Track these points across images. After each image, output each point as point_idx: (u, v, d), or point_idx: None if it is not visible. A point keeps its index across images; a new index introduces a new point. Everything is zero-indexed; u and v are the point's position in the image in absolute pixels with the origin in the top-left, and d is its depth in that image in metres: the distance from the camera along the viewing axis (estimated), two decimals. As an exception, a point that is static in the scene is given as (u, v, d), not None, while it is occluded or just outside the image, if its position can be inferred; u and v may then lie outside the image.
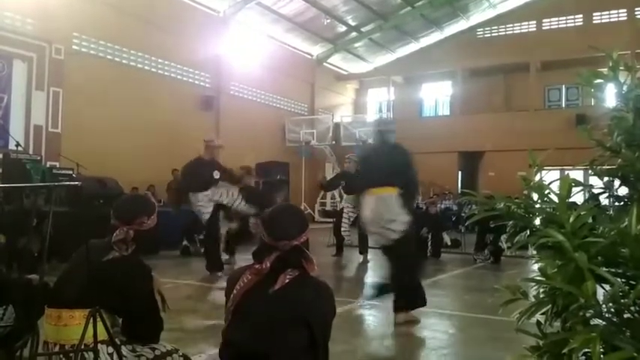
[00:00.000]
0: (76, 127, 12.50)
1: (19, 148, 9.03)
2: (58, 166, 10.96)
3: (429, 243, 10.21)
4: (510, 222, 1.61)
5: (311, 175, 21.27)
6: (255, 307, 1.96)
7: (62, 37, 12.72)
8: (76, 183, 3.64)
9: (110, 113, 13.34)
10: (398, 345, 4.38)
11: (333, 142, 20.75)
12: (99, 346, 2.16)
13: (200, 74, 17.01)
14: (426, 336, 4.72)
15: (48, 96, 12.46)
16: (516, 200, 1.59)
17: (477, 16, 22.27)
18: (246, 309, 1.98)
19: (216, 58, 17.24)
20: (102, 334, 2.18)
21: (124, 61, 14.48)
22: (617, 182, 1.71)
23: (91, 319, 2.14)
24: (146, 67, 15.15)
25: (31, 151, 11.05)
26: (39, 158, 10.14)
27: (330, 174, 21.30)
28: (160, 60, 15.49)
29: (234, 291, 2.00)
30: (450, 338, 4.65)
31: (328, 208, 20.76)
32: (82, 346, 2.14)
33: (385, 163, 5.05)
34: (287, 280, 1.95)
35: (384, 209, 4.77)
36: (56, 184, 5.04)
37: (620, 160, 1.65)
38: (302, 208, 19.84)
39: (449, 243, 11.14)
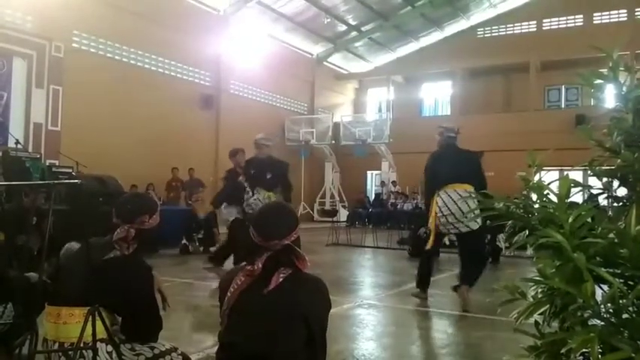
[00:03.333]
0: (76, 125, 12.50)
1: (19, 146, 9.04)
2: (57, 164, 10.97)
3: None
4: (509, 222, 1.61)
5: (310, 174, 21.28)
6: (251, 308, 1.96)
7: (62, 34, 12.71)
8: (76, 181, 3.64)
9: (110, 111, 13.34)
10: (396, 344, 4.39)
11: (333, 142, 20.77)
12: (98, 344, 2.16)
13: (200, 73, 17.01)
14: (423, 335, 4.73)
15: (48, 94, 12.46)
16: (515, 200, 1.60)
17: (477, 16, 22.29)
18: (242, 311, 1.97)
19: (216, 57, 17.23)
20: (101, 333, 2.18)
21: (124, 59, 14.47)
22: (616, 183, 1.71)
23: (90, 317, 2.14)
24: (146, 66, 15.15)
25: (30, 149, 11.06)
26: (38, 156, 10.17)
27: (329, 173, 21.35)
28: (160, 58, 15.48)
29: (228, 294, 2.00)
30: (448, 338, 4.65)
31: (327, 207, 20.77)
32: (81, 345, 2.14)
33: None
34: (281, 279, 1.95)
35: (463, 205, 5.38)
36: (56, 182, 5.04)
37: (619, 161, 1.65)
38: (301, 207, 19.90)
39: (447, 242, 11.12)
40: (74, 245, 2.43)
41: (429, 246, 5.74)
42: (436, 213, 5.57)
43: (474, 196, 5.08)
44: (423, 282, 5.89)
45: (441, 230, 5.70)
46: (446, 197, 5.50)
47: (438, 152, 6.15)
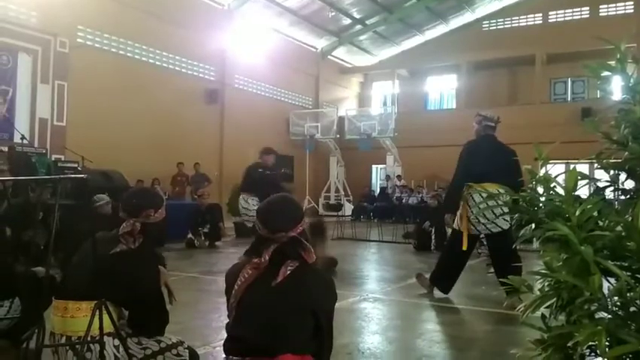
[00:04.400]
0: (81, 120, 12.54)
1: (25, 142, 9.07)
2: (63, 159, 11.02)
3: (433, 237, 10.19)
4: (516, 215, 1.61)
5: (315, 169, 21.29)
6: (259, 300, 1.97)
7: (67, 30, 12.73)
8: (82, 176, 3.64)
9: (115, 106, 13.37)
10: (401, 338, 4.39)
11: (338, 136, 20.75)
12: (105, 338, 2.17)
13: (205, 67, 17.01)
14: (429, 329, 4.73)
15: (53, 89, 12.50)
16: (522, 193, 1.59)
17: (482, 9, 22.16)
18: (250, 303, 1.98)
19: (220, 52, 17.23)
20: (108, 327, 2.19)
21: (128, 54, 14.49)
22: (623, 175, 1.70)
23: (97, 311, 2.15)
24: (151, 60, 15.16)
25: (36, 145, 11.11)
26: (44, 151, 10.22)
27: (334, 167, 21.34)
28: (164, 53, 15.49)
29: (235, 287, 2.00)
30: (454, 331, 4.64)
31: (332, 201, 20.78)
32: (89, 338, 2.15)
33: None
34: (288, 272, 1.95)
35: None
36: (62, 177, 5.05)
37: (626, 154, 1.64)
38: (306, 201, 19.91)
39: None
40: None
41: (464, 247, 5.43)
42: (466, 212, 5.39)
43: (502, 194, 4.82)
44: (439, 279, 5.74)
45: (472, 231, 5.41)
46: (477, 197, 5.26)
47: (474, 143, 5.81)
